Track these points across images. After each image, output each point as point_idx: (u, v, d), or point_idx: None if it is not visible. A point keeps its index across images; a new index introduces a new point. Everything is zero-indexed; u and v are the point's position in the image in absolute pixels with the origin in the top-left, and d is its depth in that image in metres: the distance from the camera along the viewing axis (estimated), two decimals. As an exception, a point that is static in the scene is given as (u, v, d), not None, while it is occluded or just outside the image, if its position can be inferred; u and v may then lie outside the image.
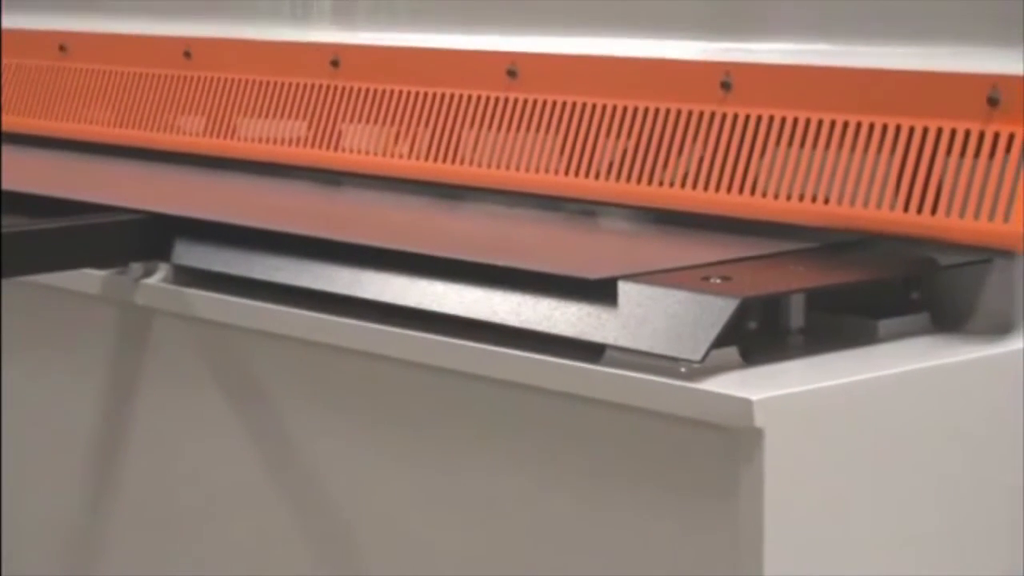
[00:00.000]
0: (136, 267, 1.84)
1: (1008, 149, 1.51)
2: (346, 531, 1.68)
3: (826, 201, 1.61)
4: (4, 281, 1.89)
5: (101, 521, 1.94)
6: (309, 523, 1.71)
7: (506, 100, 1.88)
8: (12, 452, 2.06)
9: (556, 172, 1.82)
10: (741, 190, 1.67)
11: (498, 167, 1.87)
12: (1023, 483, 1.52)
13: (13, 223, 1.84)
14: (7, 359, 2.04)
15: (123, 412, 1.89)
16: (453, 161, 1.92)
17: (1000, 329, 1.53)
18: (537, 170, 1.84)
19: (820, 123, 1.63)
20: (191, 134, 2.22)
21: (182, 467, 1.84)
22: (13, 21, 2.52)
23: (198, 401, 1.80)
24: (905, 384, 1.45)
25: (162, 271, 1.83)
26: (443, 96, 1.94)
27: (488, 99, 1.90)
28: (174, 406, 1.84)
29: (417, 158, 1.95)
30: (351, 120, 2.04)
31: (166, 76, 2.27)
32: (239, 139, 2.16)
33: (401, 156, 1.97)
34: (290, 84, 2.11)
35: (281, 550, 1.74)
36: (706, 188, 1.70)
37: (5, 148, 2.42)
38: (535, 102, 1.85)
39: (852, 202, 1.60)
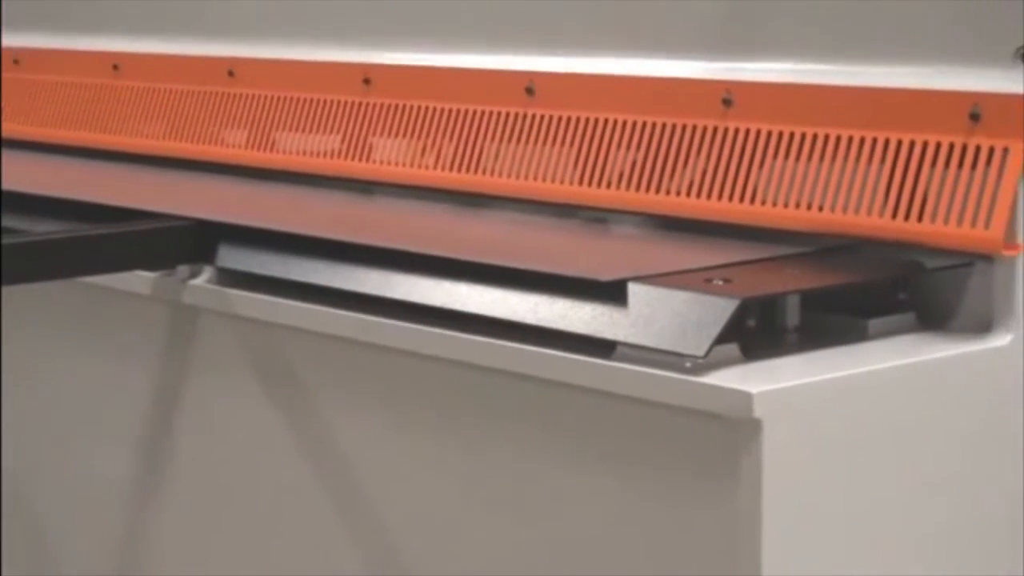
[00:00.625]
0: (183, 269, 1.84)
1: (988, 161, 1.51)
2: (379, 514, 1.68)
3: (820, 209, 1.61)
4: (60, 283, 1.89)
5: (150, 504, 1.94)
6: (344, 506, 1.71)
7: (524, 116, 1.88)
8: (65, 442, 2.06)
9: (570, 182, 1.82)
10: (741, 198, 1.67)
11: (517, 177, 1.87)
12: (1001, 469, 1.52)
13: (70, 228, 1.85)
14: (64, 355, 2.04)
15: (171, 402, 1.89)
16: (475, 172, 1.92)
17: (981, 328, 1.53)
18: (553, 180, 1.84)
19: (815, 137, 1.62)
20: (234, 147, 2.22)
21: (225, 453, 1.84)
22: (70, 43, 2.52)
23: (240, 392, 1.80)
24: (893, 378, 1.45)
25: (207, 273, 1.83)
26: (466, 112, 1.93)
27: (508, 115, 1.89)
28: (218, 397, 1.84)
29: (442, 169, 1.95)
30: (381, 134, 2.04)
31: (211, 93, 2.27)
32: (278, 152, 2.16)
33: (427, 167, 1.97)
34: (325, 101, 2.11)
35: (317, 534, 1.74)
36: (709, 197, 1.69)
37: (64, 159, 2.42)
38: (551, 117, 1.85)
39: (844, 210, 1.59)
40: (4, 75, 2.61)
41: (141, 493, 1.94)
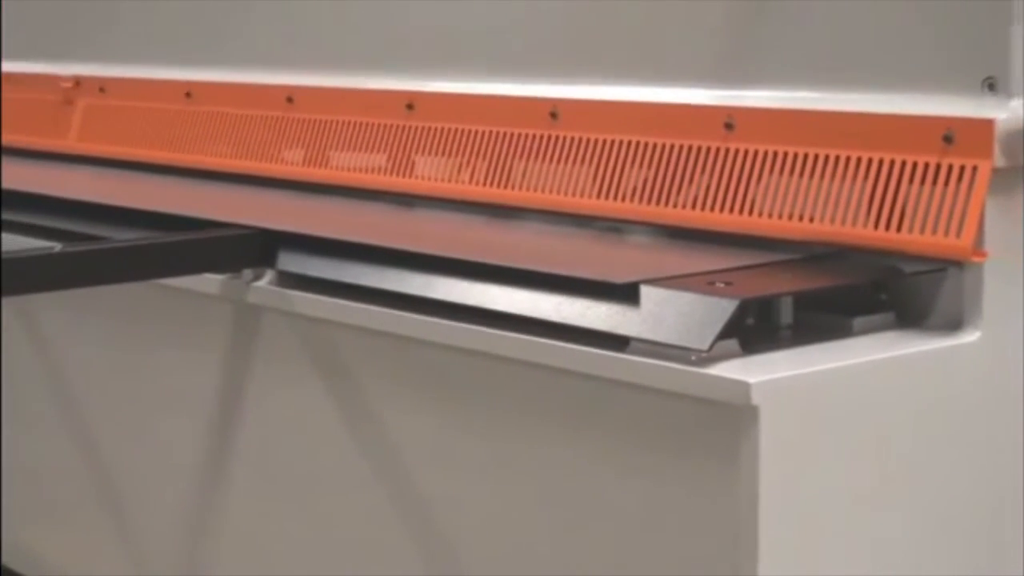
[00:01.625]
0: (248, 272, 1.85)
1: (960, 178, 1.51)
2: (419, 488, 1.68)
3: (810, 220, 1.61)
4: (140, 284, 1.90)
5: (215, 482, 1.94)
6: (388, 483, 1.71)
7: (549, 137, 1.88)
8: (141, 425, 2.07)
9: (589, 196, 1.82)
10: (741, 211, 1.67)
11: (542, 191, 1.87)
12: (972, 452, 1.52)
13: (148, 236, 1.85)
14: (143, 348, 2.05)
15: (236, 391, 1.90)
16: (505, 187, 1.92)
17: (953, 326, 1.53)
18: (573, 194, 1.84)
19: (806, 156, 1.62)
20: (293, 164, 2.22)
21: (286, 439, 1.85)
22: (148, 73, 2.53)
23: (299, 383, 1.80)
24: (875, 370, 1.45)
25: (269, 276, 1.84)
26: (497, 134, 1.94)
27: (534, 136, 1.90)
28: (279, 388, 1.85)
29: (476, 184, 1.95)
30: (422, 153, 2.04)
31: (272, 117, 2.27)
32: (332, 168, 2.17)
33: (463, 182, 1.97)
34: (373, 124, 2.11)
35: (365, 513, 1.74)
36: (712, 209, 1.70)
37: (143, 175, 2.43)
38: (572, 139, 1.85)
39: (832, 221, 1.59)
40: (91, 102, 2.63)
41: (208, 473, 1.95)
